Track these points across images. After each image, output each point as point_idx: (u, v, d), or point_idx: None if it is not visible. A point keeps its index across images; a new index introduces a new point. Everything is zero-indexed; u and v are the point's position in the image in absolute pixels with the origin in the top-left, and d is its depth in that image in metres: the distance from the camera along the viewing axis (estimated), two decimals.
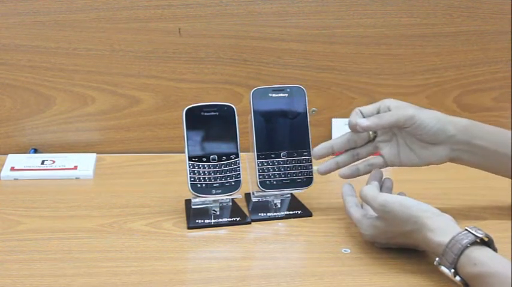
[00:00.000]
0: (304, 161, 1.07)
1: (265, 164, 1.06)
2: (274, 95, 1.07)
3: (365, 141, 1.05)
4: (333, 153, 1.06)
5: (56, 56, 1.30)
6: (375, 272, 0.90)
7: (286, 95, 1.07)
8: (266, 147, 1.06)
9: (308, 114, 1.07)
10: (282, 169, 1.06)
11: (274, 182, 1.06)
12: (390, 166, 1.05)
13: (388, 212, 0.89)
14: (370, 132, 1.05)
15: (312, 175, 1.07)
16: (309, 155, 1.07)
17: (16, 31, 1.28)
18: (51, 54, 1.30)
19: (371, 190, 0.94)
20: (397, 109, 1.01)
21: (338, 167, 1.05)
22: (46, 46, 1.29)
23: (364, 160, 1.06)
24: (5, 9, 1.27)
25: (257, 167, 1.05)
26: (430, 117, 1.00)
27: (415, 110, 1.00)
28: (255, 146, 1.06)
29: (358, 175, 1.05)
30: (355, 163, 1.06)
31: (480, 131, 1.01)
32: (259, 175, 1.05)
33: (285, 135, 1.07)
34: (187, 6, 1.29)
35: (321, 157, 1.05)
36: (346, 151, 1.06)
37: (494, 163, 1.02)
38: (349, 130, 1.03)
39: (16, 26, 1.28)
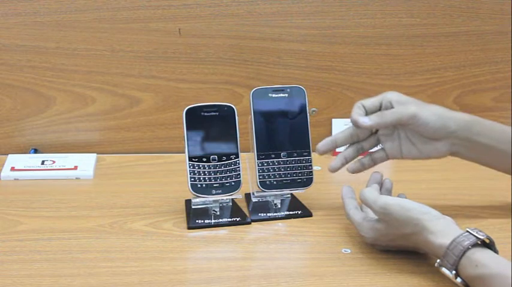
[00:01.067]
0: (304, 161, 1.07)
1: (265, 164, 1.06)
2: (274, 95, 1.07)
3: (367, 135, 1.05)
4: (336, 147, 1.06)
5: (56, 56, 1.30)
6: (375, 272, 0.90)
7: (286, 95, 1.07)
8: (266, 147, 1.06)
9: (308, 114, 1.07)
10: (282, 169, 1.06)
11: (274, 182, 1.06)
12: (392, 159, 1.05)
13: (388, 215, 0.89)
14: None
15: (312, 175, 1.07)
16: (309, 155, 1.07)
17: (16, 31, 1.28)
18: (51, 54, 1.30)
19: (371, 192, 0.94)
20: (399, 105, 1.00)
21: (346, 161, 1.05)
22: (46, 46, 1.29)
23: (367, 154, 1.06)
24: (5, 9, 1.27)
25: (257, 167, 1.05)
26: (432, 115, 1.00)
27: (417, 108, 1.00)
28: (255, 146, 1.06)
29: (364, 169, 1.06)
30: (359, 158, 1.06)
31: (481, 128, 1.01)
32: (259, 175, 1.05)
33: (285, 136, 1.07)
34: (187, 6, 1.29)
35: (325, 152, 1.05)
36: (350, 145, 1.06)
37: (493, 159, 1.02)
38: (359, 101, 1.03)
39: (16, 26, 1.28)
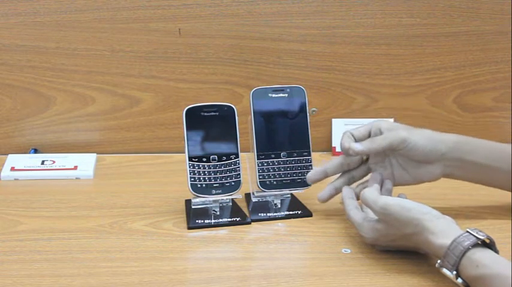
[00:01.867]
0: (304, 161, 1.07)
1: (265, 164, 1.06)
2: (274, 95, 1.07)
3: (358, 163, 1.06)
4: (327, 177, 1.06)
5: (56, 56, 1.30)
6: (375, 272, 0.90)
7: (286, 95, 1.07)
8: (266, 147, 1.06)
9: (308, 114, 1.07)
10: (282, 169, 1.06)
11: (274, 182, 1.06)
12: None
13: (389, 215, 0.89)
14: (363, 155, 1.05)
15: None
16: (309, 155, 1.07)
17: (16, 31, 1.28)
18: (51, 54, 1.30)
19: (371, 192, 0.94)
20: (389, 132, 1.01)
21: (336, 192, 1.05)
22: (46, 46, 1.29)
23: (359, 182, 1.06)
24: (5, 9, 1.27)
25: (257, 167, 1.05)
26: (422, 138, 1.00)
27: (407, 133, 1.00)
28: (255, 146, 1.06)
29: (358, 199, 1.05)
30: (352, 186, 1.05)
31: (471, 147, 1.02)
32: (259, 175, 1.05)
33: (285, 136, 1.07)
34: (187, 6, 1.29)
35: (315, 181, 1.06)
36: (341, 174, 1.06)
37: (487, 177, 1.03)
38: (347, 129, 1.03)
39: (16, 26, 1.28)
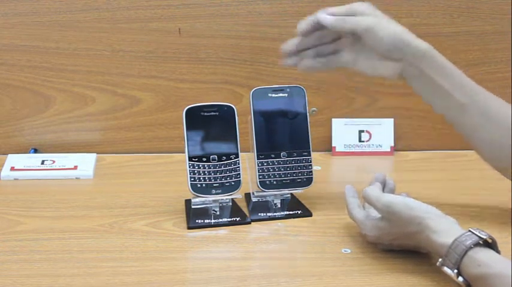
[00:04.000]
0: (304, 161, 1.07)
1: (265, 164, 1.06)
2: (274, 95, 1.07)
3: (331, 39, 1.04)
4: (303, 46, 1.05)
5: (56, 56, 1.30)
6: (375, 272, 0.90)
7: (286, 95, 1.07)
8: (266, 147, 1.06)
9: (308, 114, 1.07)
10: (282, 169, 1.06)
11: (274, 182, 1.06)
12: (346, 66, 1.04)
13: (392, 213, 0.89)
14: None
15: (311, 174, 1.07)
16: (309, 155, 1.07)
17: (16, 31, 1.28)
18: (51, 54, 1.30)
19: (374, 190, 0.94)
20: (360, 17, 0.99)
21: (303, 46, 1.04)
22: (46, 46, 1.29)
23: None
24: (5, 9, 1.27)
25: (257, 167, 1.05)
26: (388, 34, 0.99)
27: (376, 22, 0.99)
28: (254, 146, 1.06)
29: (316, 70, 1.05)
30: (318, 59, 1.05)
31: (435, 63, 1.00)
32: (259, 175, 1.05)
33: (285, 136, 1.07)
34: (187, 6, 1.29)
35: (291, 52, 1.04)
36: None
37: (436, 98, 1.01)
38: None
39: (16, 26, 1.28)
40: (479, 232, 0.82)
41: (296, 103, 1.07)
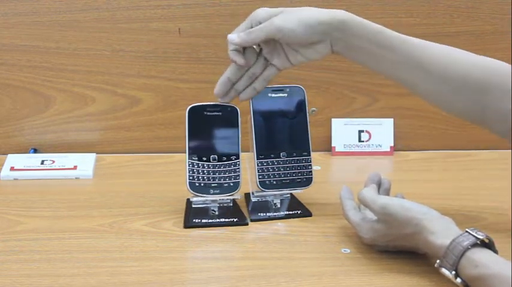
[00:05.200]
0: (304, 161, 1.07)
1: (265, 164, 1.06)
2: (273, 95, 1.07)
3: (255, 58, 1.02)
4: (232, 84, 1.02)
5: (56, 56, 1.30)
6: (375, 272, 0.90)
7: (286, 95, 1.07)
8: (266, 147, 1.06)
9: (308, 114, 1.07)
10: (282, 169, 1.06)
11: (274, 182, 1.06)
12: (283, 69, 1.02)
13: (388, 215, 0.89)
14: (255, 47, 1.01)
15: (311, 174, 1.07)
16: (309, 155, 1.07)
17: (16, 31, 1.28)
18: (51, 54, 1.30)
19: (370, 192, 0.93)
20: (265, 22, 0.97)
21: (231, 83, 1.01)
22: (46, 46, 1.29)
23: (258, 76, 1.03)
24: (5, 9, 1.27)
25: (257, 167, 1.05)
26: (298, 24, 0.96)
27: (281, 20, 0.96)
28: (254, 146, 1.06)
29: (257, 93, 1.03)
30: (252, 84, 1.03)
31: (356, 30, 0.97)
32: (258, 175, 1.05)
33: (285, 136, 1.07)
34: (187, 6, 1.29)
35: (223, 93, 1.02)
36: (243, 74, 1.02)
37: (371, 61, 0.99)
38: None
39: (16, 26, 1.28)
40: (476, 232, 0.82)
41: (296, 103, 1.07)
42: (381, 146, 1.36)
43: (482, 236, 0.82)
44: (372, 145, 1.36)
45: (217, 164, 1.03)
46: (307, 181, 1.07)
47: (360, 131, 1.36)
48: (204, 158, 1.02)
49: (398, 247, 0.92)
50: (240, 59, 0.99)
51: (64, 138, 1.35)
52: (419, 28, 1.33)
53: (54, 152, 1.32)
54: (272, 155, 1.06)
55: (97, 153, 1.32)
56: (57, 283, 0.87)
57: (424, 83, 0.97)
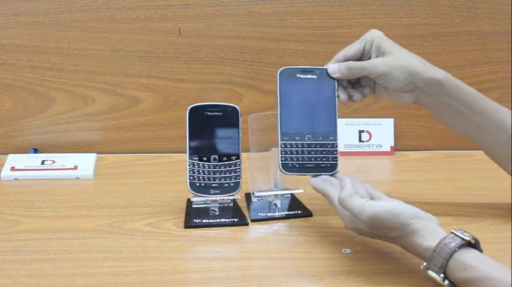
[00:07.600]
0: (329, 146, 1.01)
1: (289, 146, 1.01)
2: (302, 75, 1.03)
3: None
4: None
5: (56, 56, 1.30)
6: (375, 272, 0.90)
7: (316, 76, 1.03)
8: (291, 129, 1.01)
9: (336, 97, 1.03)
10: (306, 153, 1.01)
11: (297, 165, 1.01)
12: (364, 96, 1.05)
13: (378, 223, 0.87)
14: None
15: (337, 160, 1.02)
16: (335, 139, 1.02)
17: (16, 31, 1.28)
18: (51, 54, 1.30)
19: (355, 200, 0.89)
20: (373, 60, 1.00)
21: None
22: (46, 46, 1.29)
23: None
24: (5, 9, 1.27)
25: (280, 148, 1.00)
26: (402, 73, 0.98)
27: (385, 67, 0.98)
28: (279, 127, 1.01)
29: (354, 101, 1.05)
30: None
31: (453, 89, 0.99)
32: (281, 157, 1.00)
33: (311, 118, 1.02)
34: (187, 6, 1.29)
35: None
36: None
37: (456, 122, 1.01)
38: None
39: (16, 26, 1.28)
40: (461, 233, 0.81)
41: (325, 85, 1.03)
42: (381, 146, 1.36)
43: (468, 237, 0.81)
44: (372, 145, 1.36)
45: (217, 164, 1.03)
46: (332, 167, 1.01)
47: (361, 131, 1.36)
48: (205, 158, 1.02)
49: (382, 240, 0.91)
50: (342, 96, 1.03)
51: (64, 138, 1.35)
52: (419, 28, 1.33)
53: (55, 152, 1.33)
54: (297, 138, 1.01)
55: (97, 153, 1.32)
56: (57, 283, 0.87)
57: (506, 148, 0.99)
